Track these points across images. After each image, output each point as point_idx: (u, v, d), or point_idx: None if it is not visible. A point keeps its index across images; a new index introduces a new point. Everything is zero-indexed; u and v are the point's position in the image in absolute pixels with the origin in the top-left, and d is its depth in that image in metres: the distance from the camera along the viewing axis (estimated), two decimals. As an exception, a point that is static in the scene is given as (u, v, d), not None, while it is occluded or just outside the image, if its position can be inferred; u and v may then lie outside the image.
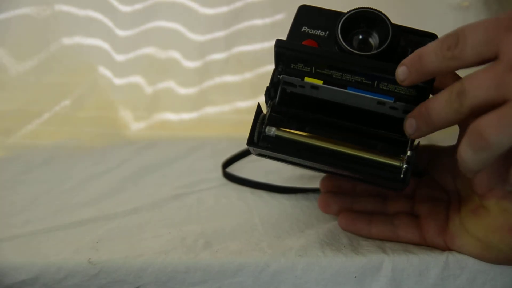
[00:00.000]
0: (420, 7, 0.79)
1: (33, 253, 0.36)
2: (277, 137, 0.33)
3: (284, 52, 0.33)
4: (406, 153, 0.33)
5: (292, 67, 0.34)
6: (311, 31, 0.37)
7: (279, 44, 0.33)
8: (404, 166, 0.32)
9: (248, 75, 0.85)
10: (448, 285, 0.34)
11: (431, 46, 0.29)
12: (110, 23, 0.83)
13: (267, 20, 0.84)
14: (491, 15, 0.77)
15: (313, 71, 0.33)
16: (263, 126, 0.34)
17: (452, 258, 0.34)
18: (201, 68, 0.85)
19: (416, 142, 0.34)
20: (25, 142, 0.73)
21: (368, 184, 0.39)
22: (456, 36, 0.27)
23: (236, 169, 0.59)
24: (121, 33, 0.84)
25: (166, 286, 0.34)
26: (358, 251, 0.35)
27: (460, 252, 0.34)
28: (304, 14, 0.38)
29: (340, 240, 0.37)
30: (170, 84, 0.85)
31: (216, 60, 0.85)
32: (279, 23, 0.83)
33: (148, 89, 0.85)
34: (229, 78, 0.85)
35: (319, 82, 0.33)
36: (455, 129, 0.34)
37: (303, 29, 0.37)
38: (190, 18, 0.84)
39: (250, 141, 0.33)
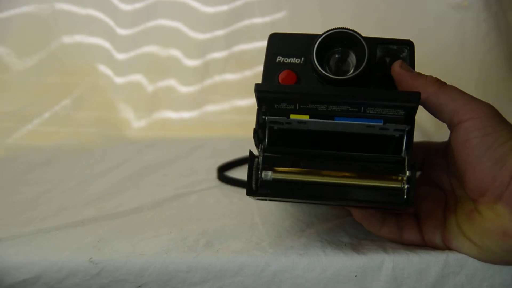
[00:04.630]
0: (420, 7, 0.79)
1: (34, 253, 0.36)
2: (275, 180, 0.33)
3: (265, 96, 0.32)
4: (405, 172, 0.32)
5: (276, 107, 0.33)
6: (286, 60, 0.36)
7: (259, 88, 0.32)
8: (406, 186, 0.32)
9: (248, 73, 0.85)
10: (448, 282, 0.34)
11: None
12: (110, 22, 0.84)
13: (267, 19, 0.84)
14: (490, 15, 0.77)
15: (297, 108, 0.33)
16: (259, 172, 0.33)
17: (452, 256, 0.34)
18: (201, 67, 0.85)
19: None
20: (26, 142, 0.73)
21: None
22: None
23: (236, 169, 0.59)
24: (121, 31, 0.84)
25: (167, 285, 0.34)
26: (359, 250, 0.35)
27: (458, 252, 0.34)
28: (276, 43, 0.37)
29: (340, 238, 0.37)
30: (171, 82, 0.85)
31: (217, 59, 0.85)
32: (279, 22, 0.83)
33: (149, 88, 0.85)
34: (229, 77, 0.85)
35: (305, 117, 0.33)
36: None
37: (278, 59, 0.36)
38: (191, 17, 0.85)
39: (249, 191, 0.33)
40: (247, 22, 0.85)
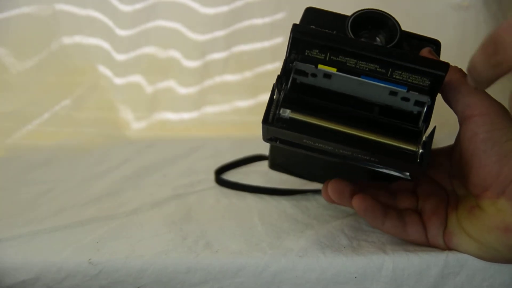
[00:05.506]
0: (420, 7, 0.79)
1: (33, 253, 0.36)
2: (292, 119, 0.32)
3: (301, 38, 0.32)
4: (422, 138, 0.32)
5: (306, 53, 0.33)
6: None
7: (297, 28, 0.32)
8: (420, 151, 0.32)
9: (248, 74, 0.85)
10: (448, 282, 0.34)
11: (476, 56, 0.29)
12: (110, 23, 0.83)
13: (267, 20, 0.84)
14: (490, 15, 0.77)
15: (327, 59, 0.33)
16: (278, 108, 0.33)
17: (452, 256, 0.34)
18: (201, 68, 0.85)
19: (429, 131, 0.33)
20: (26, 142, 0.73)
21: (380, 181, 0.39)
22: (493, 43, 0.27)
23: (235, 170, 0.59)
24: (121, 32, 0.84)
25: (166, 286, 0.34)
26: (358, 251, 0.35)
27: (458, 251, 0.34)
28: (311, 15, 0.38)
29: (340, 241, 0.37)
30: (170, 83, 0.85)
31: (216, 60, 0.85)
32: (279, 22, 0.83)
33: (149, 89, 0.85)
34: (229, 78, 0.85)
35: (333, 70, 0.33)
36: (455, 128, 0.34)
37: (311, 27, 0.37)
38: (190, 18, 0.85)
39: (265, 120, 0.32)
40: (247, 23, 0.85)
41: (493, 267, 0.34)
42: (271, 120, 0.32)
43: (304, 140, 0.33)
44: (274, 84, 0.33)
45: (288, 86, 0.33)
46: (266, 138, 0.35)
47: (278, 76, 0.33)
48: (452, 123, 0.35)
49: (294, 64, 0.33)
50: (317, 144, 0.33)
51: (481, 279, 0.34)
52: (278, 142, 0.34)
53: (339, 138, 0.32)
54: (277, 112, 0.32)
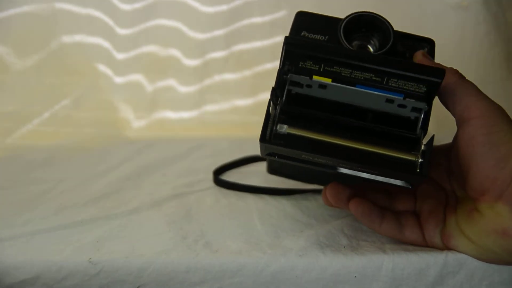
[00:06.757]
0: (420, 7, 0.79)
1: (33, 253, 0.36)
2: (289, 134, 0.32)
3: (294, 50, 0.32)
4: (420, 147, 0.32)
5: (300, 65, 0.33)
6: (310, 35, 0.37)
7: (289, 41, 0.32)
8: (420, 160, 0.32)
9: (247, 73, 0.85)
10: (447, 281, 0.34)
11: None
12: (110, 22, 0.84)
13: (267, 19, 0.84)
14: (490, 15, 0.77)
15: (321, 69, 0.32)
16: (274, 124, 0.32)
17: (451, 256, 0.34)
18: (201, 67, 0.85)
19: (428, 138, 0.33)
20: (26, 142, 0.73)
21: (378, 185, 0.39)
22: None
23: (234, 170, 0.59)
24: (121, 31, 0.84)
25: (166, 286, 0.34)
26: (358, 251, 0.35)
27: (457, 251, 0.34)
28: (302, 20, 0.37)
29: (339, 241, 0.37)
30: (170, 82, 0.85)
31: (216, 59, 0.85)
32: (279, 21, 0.83)
33: (149, 88, 0.85)
34: (229, 77, 0.85)
35: (328, 80, 0.32)
36: (455, 127, 0.34)
37: (302, 33, 0.37)
38: (191, 17, 0.85)
39: (263, 138, 0.32)
40: (246, 22, 0.85)
41: (492, 267, 0.34)
42: (268, 136, 0.32)
43: (303, 156, 0.33)
44: (269, 100, 0.33)
45: (283, 98, 0.33)
46: (265, 154, 0.34)
47: (273, 89, 0.33)
48: (452, 122, 0.35)
49: (288, 76, 0.33)
50: (315, 159, 0.33)
51: (480, 278, 0.34)
52: (277, 157, 0.34)
53: (338, 153, 0.32)
54: (274, 128, 0.32)
